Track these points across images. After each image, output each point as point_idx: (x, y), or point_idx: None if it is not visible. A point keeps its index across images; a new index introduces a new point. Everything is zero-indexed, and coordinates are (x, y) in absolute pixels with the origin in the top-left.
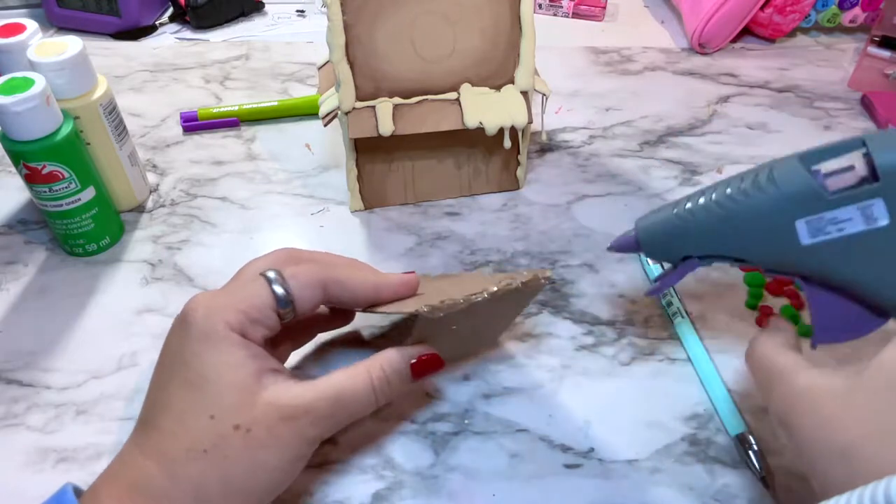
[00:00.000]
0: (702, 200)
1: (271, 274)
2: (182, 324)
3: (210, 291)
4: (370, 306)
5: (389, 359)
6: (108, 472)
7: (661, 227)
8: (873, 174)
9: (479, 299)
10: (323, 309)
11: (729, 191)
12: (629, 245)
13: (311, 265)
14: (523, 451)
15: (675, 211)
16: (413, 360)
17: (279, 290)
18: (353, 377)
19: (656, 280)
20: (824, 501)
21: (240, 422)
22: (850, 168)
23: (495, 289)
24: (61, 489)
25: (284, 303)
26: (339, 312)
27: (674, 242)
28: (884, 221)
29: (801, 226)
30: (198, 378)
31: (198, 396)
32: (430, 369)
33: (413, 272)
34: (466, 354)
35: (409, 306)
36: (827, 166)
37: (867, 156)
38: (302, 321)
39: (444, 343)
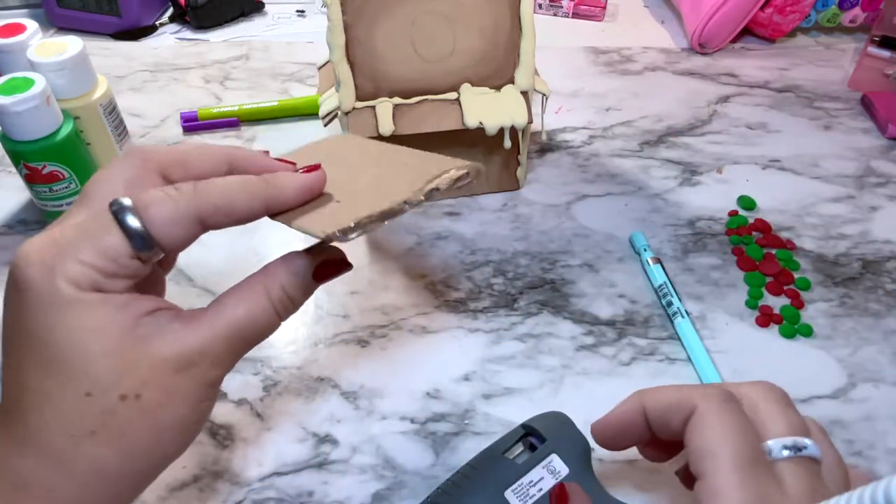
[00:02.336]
0: None
1: (125, 206)
2: (15, 287)
3: (44, 234)
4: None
5: (290, 275)
6: None
7: None
8: (541, 437)
9: (400, 213)
10: None
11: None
12: None
13: (178, 193)
14: None
15: None
16: (316, 267)
17: (134, 227)
18: (252, 304)
19: None
20: (824, 501)
21: (125, 390)
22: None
23: (422, 198)
24: None
25: (144, 246)
26: None
27: None
28: (566, 471)
29: (510, 496)
30: (56, 354)
31: (62, 375)
32: (337, 274)
33: (318, 165)
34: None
35: (314, 222)
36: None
37: (530, 429)
38: None
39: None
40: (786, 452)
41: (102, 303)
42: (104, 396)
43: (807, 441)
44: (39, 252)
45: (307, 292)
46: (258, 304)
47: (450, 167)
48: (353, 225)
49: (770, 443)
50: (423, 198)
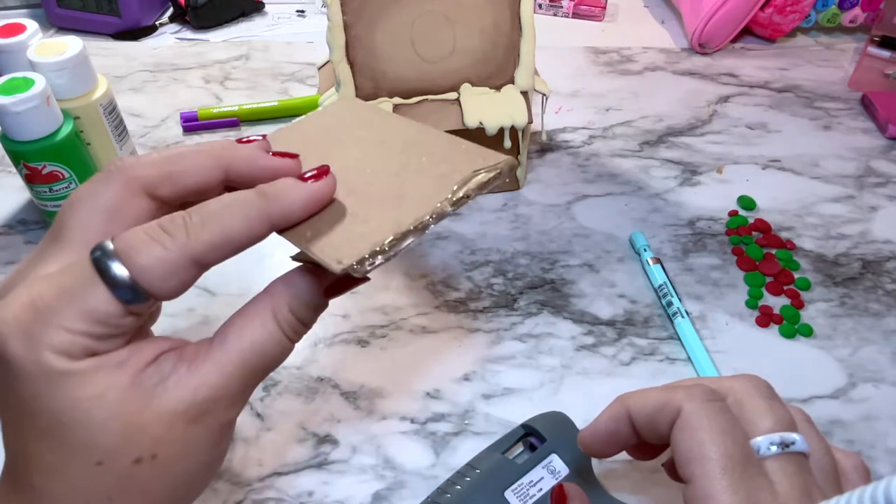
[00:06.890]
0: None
1: (108, 250)
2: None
3: (20, 297)
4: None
5: (298, 296)
6: None
7: None
8: (541, 437)
9: (426, 228)
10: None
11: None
12: None
13: (168, 238)
14: None
15: None
16: (327, 286)
17: (121, 277)
18: (260, 333)
19: None
20: (824, 502)
21: (139, 454)
22: (528, 446)
23: (449, 209)
24: None
25: (134, 298)
26: None
27: None
28: (565, 471)
29: (510, 496)
30: (55, 425)
31: (67, 448)
32: (348, 288)
33: (327, 169)
34: None
35: (326, 246)
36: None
37: (531, 429)
38: None
39: None
40: (774, 449)
41: (98, 367)
42: (117, 463)
43: (795, 436)
44: (18, 320)
45: (318, 310)
46: (266, 332)
47: (479, 164)
48: (371, 254)
49: (758, 440)
50: (450, 208)
